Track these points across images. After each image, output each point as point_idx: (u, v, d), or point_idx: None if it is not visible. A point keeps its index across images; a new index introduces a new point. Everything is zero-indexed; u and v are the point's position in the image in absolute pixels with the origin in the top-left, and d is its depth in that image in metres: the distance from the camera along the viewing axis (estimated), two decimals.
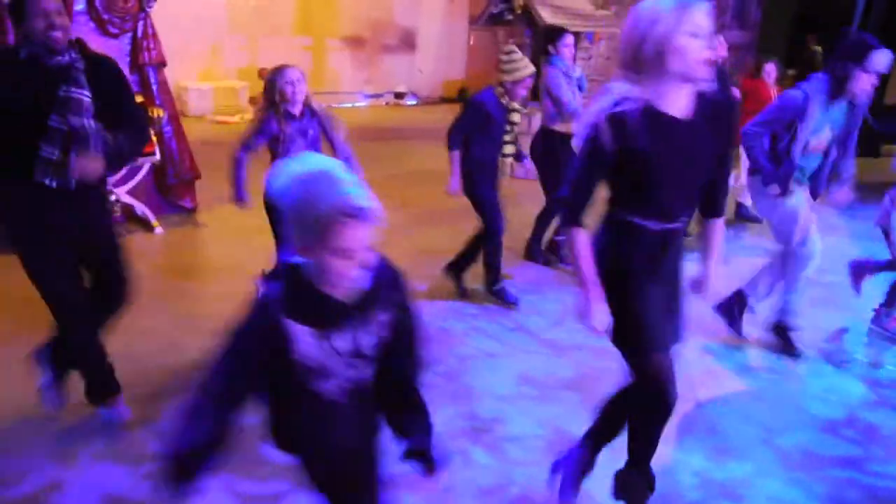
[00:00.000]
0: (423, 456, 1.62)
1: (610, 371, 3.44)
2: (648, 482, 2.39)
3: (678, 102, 1.95)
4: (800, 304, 3.69)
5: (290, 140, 3.30)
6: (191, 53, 9.91)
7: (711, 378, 3.44)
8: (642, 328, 2.10)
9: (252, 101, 10.44)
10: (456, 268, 4.29)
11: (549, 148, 4.63)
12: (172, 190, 5.47)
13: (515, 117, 3.95)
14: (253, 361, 1.46)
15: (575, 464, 2.41)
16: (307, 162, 1.41)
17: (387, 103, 12.86)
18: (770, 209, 3.59)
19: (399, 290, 1.57)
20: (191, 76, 10.20)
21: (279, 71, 3.29)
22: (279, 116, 3.28)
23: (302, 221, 1.36)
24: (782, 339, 3.74)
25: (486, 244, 4.12)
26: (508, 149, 4.01)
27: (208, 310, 3.82)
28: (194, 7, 9.75)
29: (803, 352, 3.69)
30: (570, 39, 4.70)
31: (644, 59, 1.88)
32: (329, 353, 1.48)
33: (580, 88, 4.70)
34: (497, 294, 4.19)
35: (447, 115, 4.51)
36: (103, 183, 2.73)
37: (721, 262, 2.29)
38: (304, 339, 1.44)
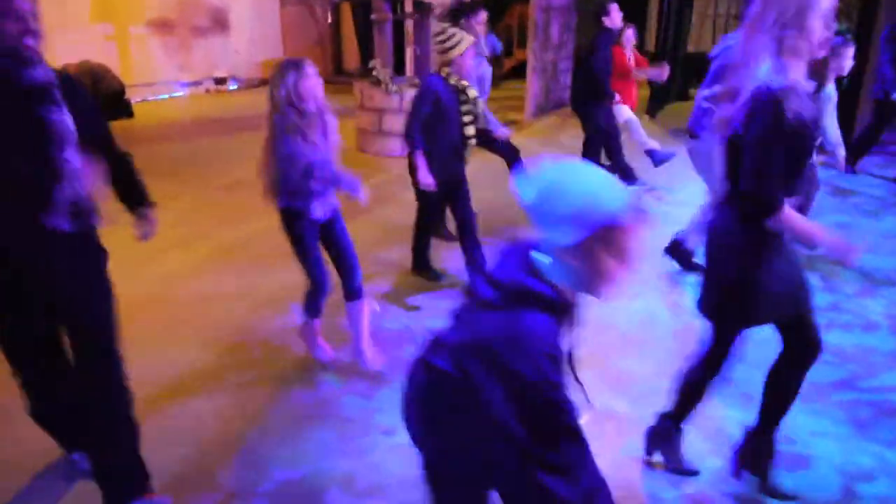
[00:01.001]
0: None
1: None
2: (771, 448, 2.50)
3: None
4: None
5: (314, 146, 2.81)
6: None
7: (691, 333, 3.63)
8: (757, 305, 2.17)
9: None
10: (417, 261, 4.19)
11: None
12: None
13: (472, 93, 3.80)
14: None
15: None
16: (567, 163, 1.36)
17: (207, 90, 11.84)
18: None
19: None
20: None
21: (295, 64, 2.75)
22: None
23: (585, 220, 1.30)
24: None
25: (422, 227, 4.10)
26: (469, 130, 3.85)
27: None
28: None
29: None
30: (483, 17, 4.59)
31: (801, 38, 1.89)
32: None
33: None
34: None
35: None
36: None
37: None
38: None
